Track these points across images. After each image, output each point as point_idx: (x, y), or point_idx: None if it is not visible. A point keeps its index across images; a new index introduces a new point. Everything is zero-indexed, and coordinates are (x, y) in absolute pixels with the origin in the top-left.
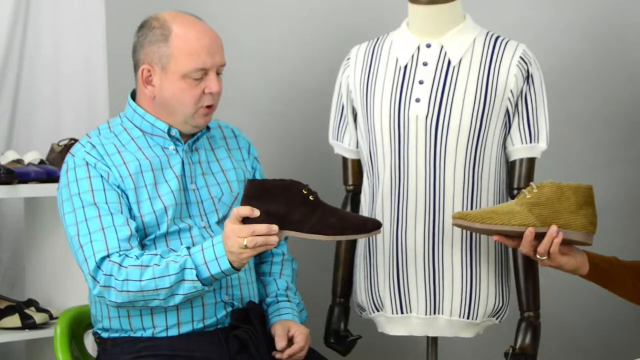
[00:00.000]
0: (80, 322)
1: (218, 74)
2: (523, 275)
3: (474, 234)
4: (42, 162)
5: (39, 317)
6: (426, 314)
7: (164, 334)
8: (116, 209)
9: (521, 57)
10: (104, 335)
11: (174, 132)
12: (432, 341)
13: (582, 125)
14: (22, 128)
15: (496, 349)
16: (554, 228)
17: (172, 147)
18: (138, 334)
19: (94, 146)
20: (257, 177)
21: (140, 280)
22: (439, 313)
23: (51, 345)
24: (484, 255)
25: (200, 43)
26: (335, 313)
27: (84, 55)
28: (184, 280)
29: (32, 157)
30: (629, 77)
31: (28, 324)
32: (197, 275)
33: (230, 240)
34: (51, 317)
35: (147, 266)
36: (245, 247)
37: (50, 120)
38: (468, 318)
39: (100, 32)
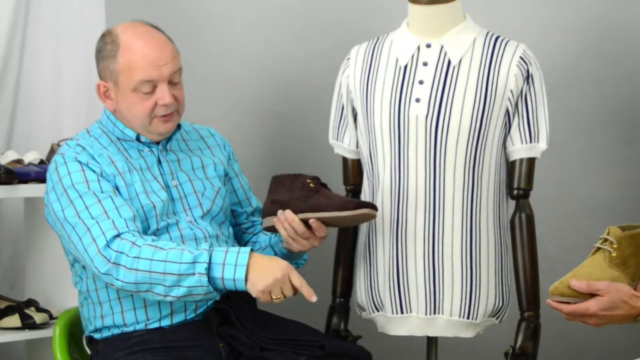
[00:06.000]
0: (79, 323)
1: (174, 83)
2: (523, 275)
3: (474, 234)
4: (42, 162)
5: (39, 317)
6: (426, 314)
7: (156, 325)
8: (113, 195)
9: (521, 57)
10: (97, 336)
11: (143, 139)
12: (432, 341)
13: (582, 125)
14: (22, 128)
15: (496, 349)
16: None
17: (146, 149)
18: (131, 329)
19: (83, 148)
20: (236, 169)
21: (151, 260)
22: (439, 313)
23: (51, 345)
24: (484, 255)
25: (145, 57)
26: (335, 313)
27: (84, 55)
28: (193, 274)
29: (32, 157)
30: (628, 76)
31: (28, 324)
32: (207, 270)
33: (276, 285)
34: (51, 317)
35: (162, 248)
36: (272, 299)
37: (50, 120)
38: (468, 318)
39: (100, 32)
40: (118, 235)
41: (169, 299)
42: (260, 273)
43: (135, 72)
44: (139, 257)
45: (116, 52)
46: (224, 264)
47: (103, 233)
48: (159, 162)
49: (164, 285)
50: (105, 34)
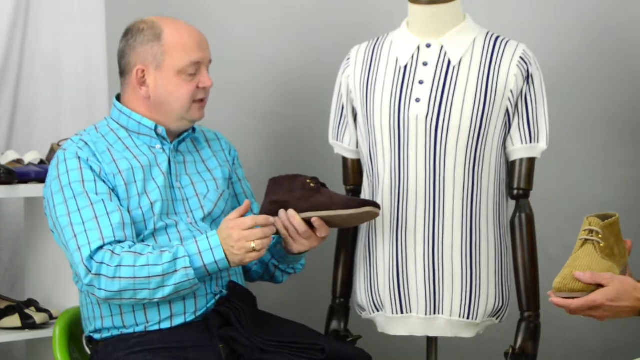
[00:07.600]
0: (79, 323)
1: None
2: (523, 275)
3: (474, 234)
4: (42, 162)
5: (39, 317)
6: (426, 314)
7: (156, 327)
8: (107, 198)
9: (521, 57)
10: (96, 336)
11: (160, 130)
12: (432, 341)
13: (582, 125)
14: (22, 128)
15: (496, 349)
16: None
17: (158, 145)
18: (130, 330)
19: (86, 143)
20: (240, 175)
21: (134, 266)
22: (439, 313)
23: (51, 345)
24: (484, 255)
25: (192, 38)
26: (335, 313)
27: (84, 55)
28: (176, 270)
29: (32, 157)
30: (629, 76)
31: (28, 324)
32: (190, 263)
33: (239, 243)
34: (51, 317)
35: (140, 254)
36: (253, 249)
37: (50, 120)
38: (468, 318)
39: (100, 32)
40: (102, 247)
41: (155, 300)
42: (230, 246)
43: (185, 53)
44: (120, 265)
45: (159, 35)
46: (199, 253)
47: (89, 243)
48: (169, 161)
49: (149, 289)
50: (137, 23)
